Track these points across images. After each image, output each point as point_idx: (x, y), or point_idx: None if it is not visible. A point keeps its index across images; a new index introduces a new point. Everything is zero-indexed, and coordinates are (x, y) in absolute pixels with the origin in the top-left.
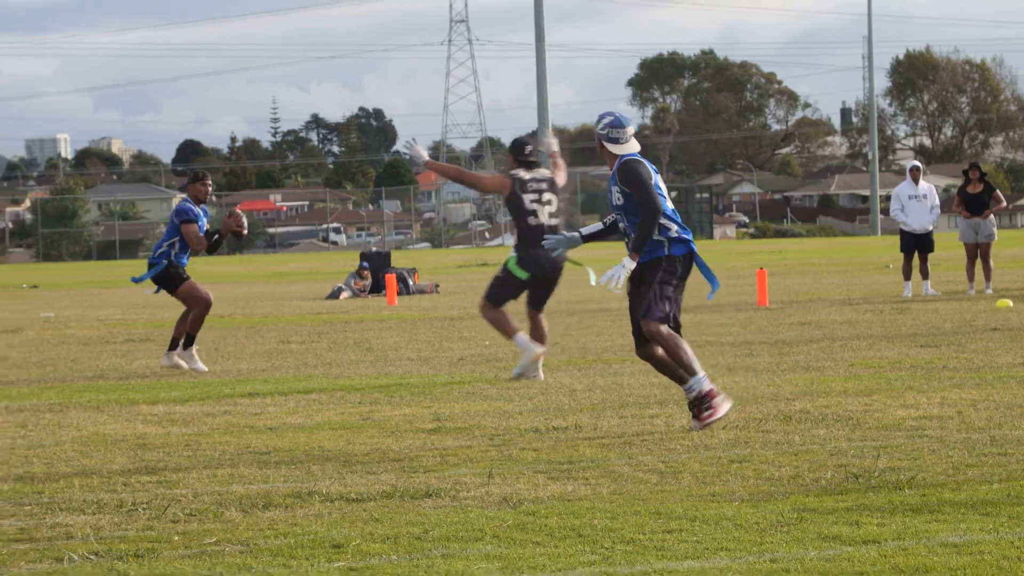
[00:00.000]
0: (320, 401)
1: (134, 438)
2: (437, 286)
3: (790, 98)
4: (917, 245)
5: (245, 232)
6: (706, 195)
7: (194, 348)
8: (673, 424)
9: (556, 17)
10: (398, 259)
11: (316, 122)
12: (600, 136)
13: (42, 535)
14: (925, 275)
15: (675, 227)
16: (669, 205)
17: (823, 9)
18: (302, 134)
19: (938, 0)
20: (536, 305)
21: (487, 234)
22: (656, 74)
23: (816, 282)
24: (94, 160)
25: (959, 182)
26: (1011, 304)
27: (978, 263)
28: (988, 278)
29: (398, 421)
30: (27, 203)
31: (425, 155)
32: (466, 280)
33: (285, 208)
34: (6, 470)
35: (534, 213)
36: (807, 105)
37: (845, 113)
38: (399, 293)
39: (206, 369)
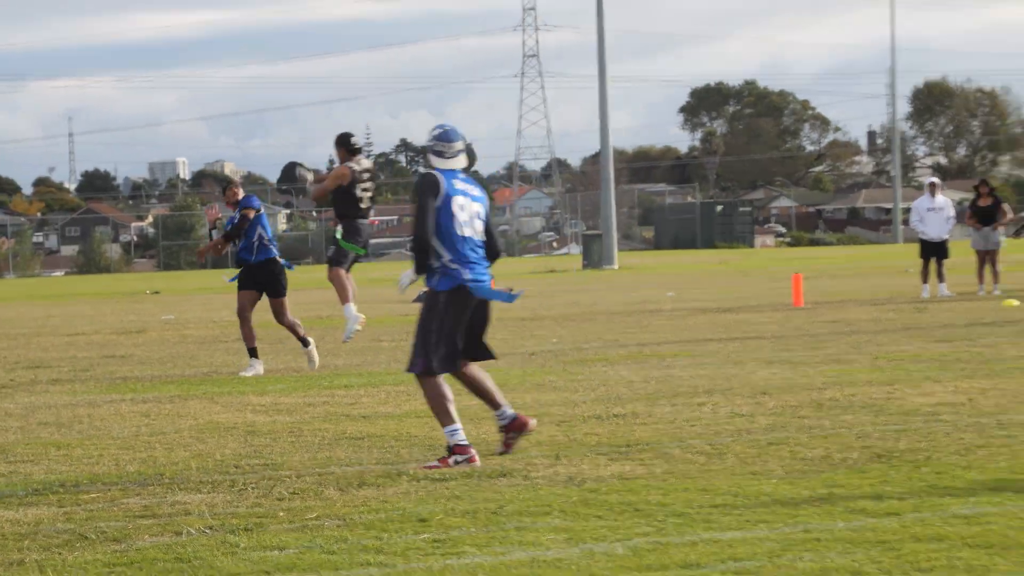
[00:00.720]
0: (408, 392)
1: (244, 426)
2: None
3: (822, 123)
4: (934, 252)
5: (216, 227)
6: (748, 208)
7: (310, 347)
8: (719, 411)
9: (617, 52)
10: None
11: (404, 145)
12: (427, 148)
13: (163, 511)
14: (941, 278)
15: (448, 257)
16: (463, 232)
17: (852, 43)
18: (391, 156)
19: (953, 35)
20: (348, 268)
21: (555, 244)
22: (704, 101)
23: (845, 285)
24: (209, 180)
25: (971, 196)
26: (1017, 304)
27: (987, 268)
28: (996, 281)
29: (477, 410)
30: (150, 219)
31: (309, 177)
32: (537, 286)
33: (376, 222)
34: (131, 454)
35: (360, 200)
36: (837, 129)
37: (871, 135)
38: None
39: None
